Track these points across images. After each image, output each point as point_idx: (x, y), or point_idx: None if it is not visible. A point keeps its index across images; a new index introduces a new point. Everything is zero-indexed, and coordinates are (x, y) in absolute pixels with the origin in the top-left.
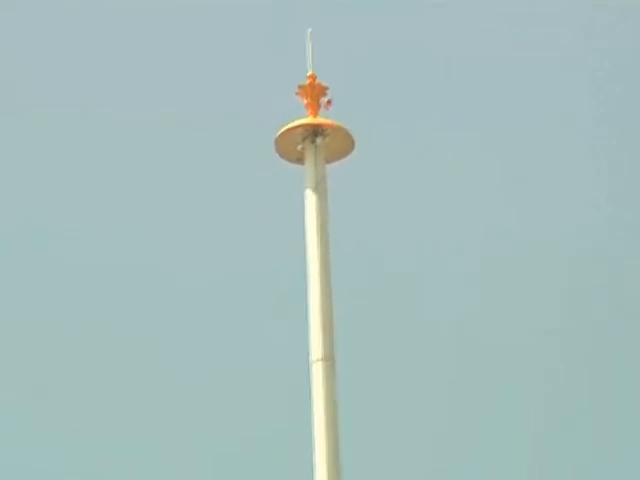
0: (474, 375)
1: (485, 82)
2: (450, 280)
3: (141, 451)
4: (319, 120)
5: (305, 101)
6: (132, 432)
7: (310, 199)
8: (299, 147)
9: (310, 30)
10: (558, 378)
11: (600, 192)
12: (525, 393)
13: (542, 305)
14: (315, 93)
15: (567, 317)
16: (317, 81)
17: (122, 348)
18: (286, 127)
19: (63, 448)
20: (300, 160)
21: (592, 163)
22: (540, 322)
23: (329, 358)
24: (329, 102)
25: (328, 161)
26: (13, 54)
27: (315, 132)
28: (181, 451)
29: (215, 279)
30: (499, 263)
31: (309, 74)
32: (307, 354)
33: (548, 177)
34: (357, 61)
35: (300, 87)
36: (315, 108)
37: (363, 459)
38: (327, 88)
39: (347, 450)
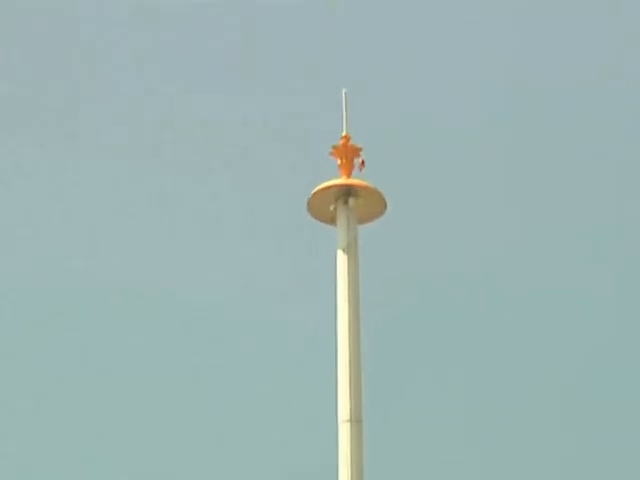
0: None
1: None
2: (480, 341)
3: None
4: (352, 181)
5: (339, 161)
6: None
7: (341, 259)
8: (331, 207)
9: (345, 90)
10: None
11: None
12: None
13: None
14: (349, 154)
15: None
16: (351, 142)
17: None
18: (319, 187)
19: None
20: (332, 220)
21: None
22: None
23: (357, 420)
24: (363, 163)
25: (360, 222)
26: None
27: (348, 193)
28: None
29: (247, 335)
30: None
31: (343, 134)
32: (335, 414)
33: None
34: (392, 123)
35: (334, 147)
36: (348, 169)
37: None
38: (361, 149)
39: None
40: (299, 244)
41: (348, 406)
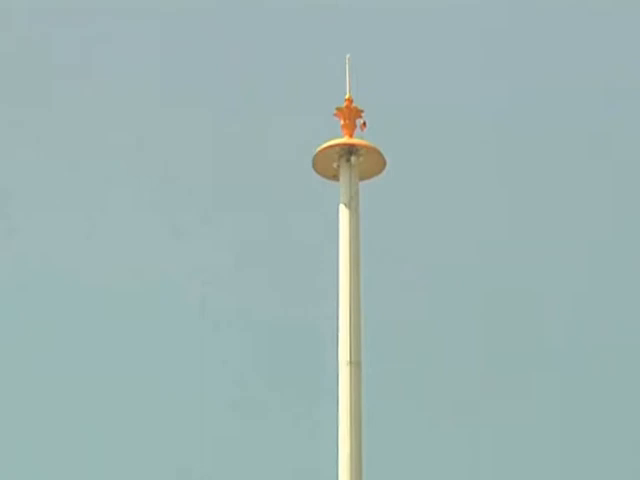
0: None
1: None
2: (477, 293)
3: None
4: (354, 140)
5: (342, 122)
6: None
7: (343, 213)
8: (335, 165)
9: (348, 55)
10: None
11: None
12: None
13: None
14: (351, 115)
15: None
16: (353, 104)
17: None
18: (323, 146)
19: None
20: (335, 177)
21: None
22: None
23: (356, 363)
24: (364, 124)
25: (361, 179)
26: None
27: (350, 151)
28: None
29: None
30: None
31: (346, 97)
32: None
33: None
34: (393, 85)
35: (338, 109)
36: (351, 129)
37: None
38: (362, 111)
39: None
40: (305, 198)
41: (348, 349)
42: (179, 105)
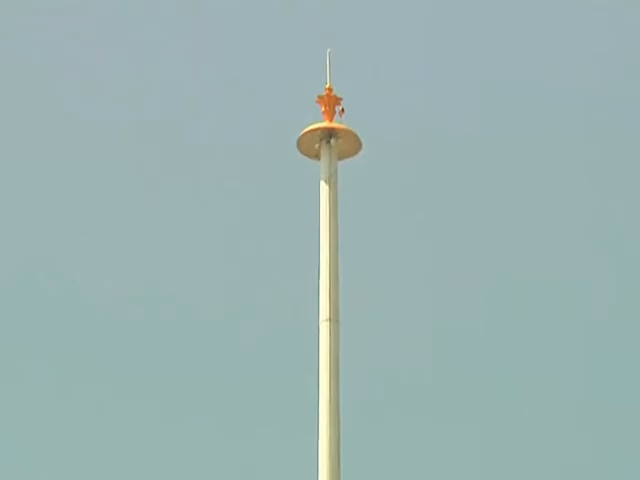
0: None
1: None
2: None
3: None
4: (333, 124)
5: (323, 108)
6: None
7: (324, 189)
8: (316, 146)
9: (329, 50)
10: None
11: None
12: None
13: None
14: (331, 102)
15: None
16: (333, 92)
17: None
18: (306, 129)
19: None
20: (317, 157)
21: None
22: None
23: (335, 319)
24: (342, 110)
25: (340, 158)
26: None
27: (330, 134)
28: None
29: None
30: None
31: (327, 86)
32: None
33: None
34: (369, 75)
35: (319, 97)
36: (331, 115)
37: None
38: (341, 99)
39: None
40: (289, 176)
41: (327, 308)
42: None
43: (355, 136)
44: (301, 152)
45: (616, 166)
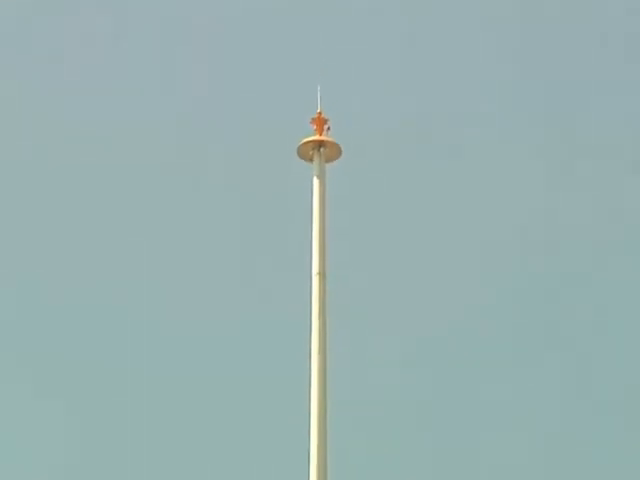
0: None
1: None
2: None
3: None
4: (322, 138)
5: (315, 127)
6: None
7: (316, 184)
8: (310, 152)
9: (319, 87)
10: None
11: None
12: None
13: None
14: (321, 122)
15: None
16: (322, 115)
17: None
18: (303, 141)
19: None
20: (311, 160)
21: None
22: None
23: (323, 274)
24: (329, 128)
25: (327, 161)
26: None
27: (320, 145)
28: None
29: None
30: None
31: (318, 111)
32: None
33: None
34: (349, 99)
35: (312, 118)
36: (320, 131)
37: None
38: (328, 119)
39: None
40: (291, 175)
41: (317, 262)
42: None
43: (338, 146)
44: (299, 157)
45: None
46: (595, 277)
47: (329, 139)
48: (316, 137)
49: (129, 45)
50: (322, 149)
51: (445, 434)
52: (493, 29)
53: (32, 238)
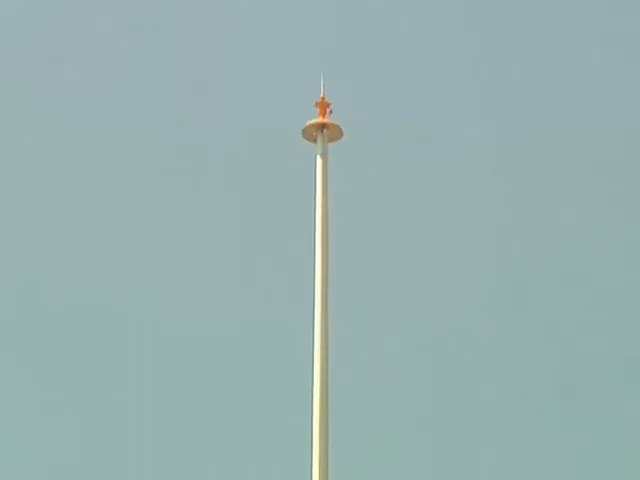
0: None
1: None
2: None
3: None
4: (325, 120)
5: (318, 110)
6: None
7: (319, 162)
8: (314, 133)
9: (322, 74)
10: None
11: None
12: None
13: None
14: (324, 106)
15: None
16: (325, 100)
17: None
18: (307, 123)
19: None
20: (315, 141)
21: None
22: None
23: (327, 241)
24: (331, 111)
25: (330, 141)
26: None
27: (323, 126)
28: None
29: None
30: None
31: (321, 96)
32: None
33: None
34: (350, 84)
35: (316, 102)
36: (323, 114)
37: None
38: (330, 103)
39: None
40: (297, 153)
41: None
42: None
43: (339, 127)
44: (304, 138)
45: None
46: (595, 276)
47: (331, 121)
48: (319, 120)
49: (129, 45)
50: (325, 130)
51: (448, 434)
52: (495, 29)
53: (32, 238)
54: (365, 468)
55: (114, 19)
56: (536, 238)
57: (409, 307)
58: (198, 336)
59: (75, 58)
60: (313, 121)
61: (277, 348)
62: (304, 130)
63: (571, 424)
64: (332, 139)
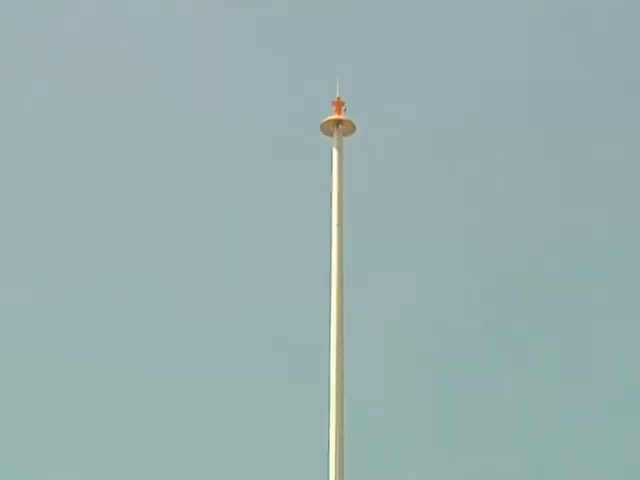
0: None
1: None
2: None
3: None
4: (341, 117)
5: (334, 108)
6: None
7: (335, 154)
8: (331, 129)
9: (338, 77)
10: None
11: None
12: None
13: None
14: (339, 105)
15: None
16: (340, 99)
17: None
18: (325, 119)
19: None
20: (331, 135)
21: None
22: None
23: (341, 225)
24: (345, 109)
25: (344, 135)
26: None
27: (338, 122)
28: None
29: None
30: None
31: (337, 96)
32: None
33: None
34: (364, 85)
35: (333, 102)
36: (339, 112)
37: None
38: (344, 102)
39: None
40: (315, 147)
41: (336, 215)
42: None
43: (352, 123)
44: (322, 132)
45: None
46: (594, 276)
47: (346, 118)
48: (335, 116)
49: (129, 45)
50: (340, 126)
51: (462, 433)
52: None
53: (32, 238)
54: (379, 467)
55: (114, 19)
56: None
57: (418, 304)
58: (209, 334)
59: (75, 57)
60: (330, 118)
61: (292, 344)
62: (322, 125)
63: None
64: (346, 133)
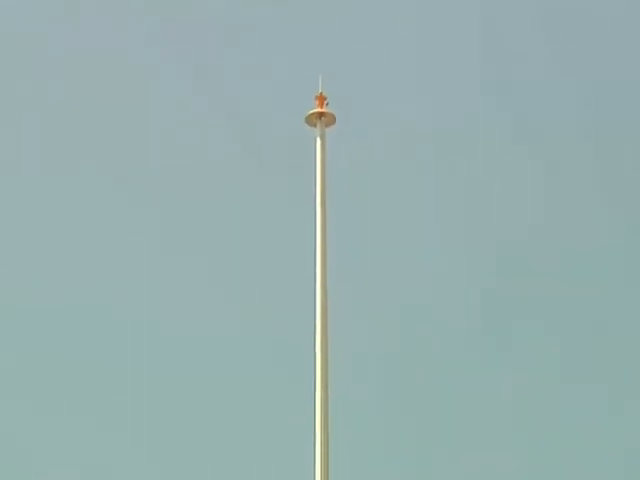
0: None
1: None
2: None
3: None
4: (323, 110)
5: (317, 102)
6: None
7: (318, 143)
8: (314, 120)
9: (320, 75)
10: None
11: None
12: None
13: None
14: (322, 99)
15: None
16: (323, 94)
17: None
18: (309, 112)
19: None
20: (315, 125)
21: None
22: None
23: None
24: (327, 103)
25: (326, 127)
26: None
27: (321, 114)
28: None
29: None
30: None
31: (320, 91)
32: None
33: None
34: (344, 82)
35: (316, 96)
36: (321, 105)
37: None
38: (327, 97)
39: None
40: (301, 136)
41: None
42: None
43: (333, 116)
44: (306, 124)
45: None
46: (594, 275)
47: (328, 111)
48: (318, 109)
49: (129, 44)
50: (322, 118)
51: (462, 433)
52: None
53: (32, 238)
54: (365, 466)
55: (114, 19)
56: None
57: (406, 290)
58: (203, 335)
59: (76, 57)
60: (313, 110)
61: (277, 342)
62: (306, 117)
63: None
64: (328, 125)
